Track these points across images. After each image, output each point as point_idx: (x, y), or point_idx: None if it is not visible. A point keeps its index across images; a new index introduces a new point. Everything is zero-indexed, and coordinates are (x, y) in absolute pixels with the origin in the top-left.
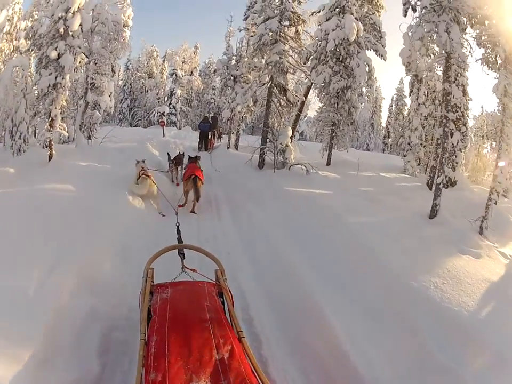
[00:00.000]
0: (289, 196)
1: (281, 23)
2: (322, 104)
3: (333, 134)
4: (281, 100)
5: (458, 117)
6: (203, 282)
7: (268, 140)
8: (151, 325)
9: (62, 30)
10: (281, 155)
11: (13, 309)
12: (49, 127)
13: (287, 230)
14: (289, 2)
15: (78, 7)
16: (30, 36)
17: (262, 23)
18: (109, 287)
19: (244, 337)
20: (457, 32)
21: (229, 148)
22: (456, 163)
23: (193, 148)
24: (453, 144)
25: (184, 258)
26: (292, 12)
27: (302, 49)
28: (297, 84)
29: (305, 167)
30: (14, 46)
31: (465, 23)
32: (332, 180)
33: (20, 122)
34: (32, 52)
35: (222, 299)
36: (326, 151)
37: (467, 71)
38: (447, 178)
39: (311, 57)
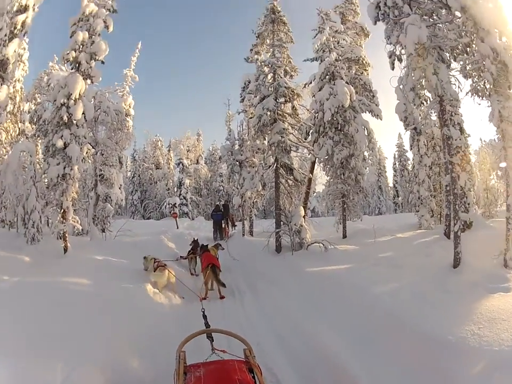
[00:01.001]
0: (311, 277)
1: (277, 100)
2: (329, 177)
3: (344, 206)
4: (288, 180)
5: (461, 157)
6: (233, 360)
7: (281, 222)
8: None
9: (65, 118)
10: (297, 236)
11: None
12: (62, 219)
13: (315, 313)
14: (281, 77)
15: (79, 94)
16: (35, 120)
17: (258, 103)
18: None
19: None
20: (445, 71)
21: (244, 235)
22: (468, 204)
23: (208, 238)
24: (461, 186)
25: (213, 341)
26: (285, 87)
27: (301, 125)
28: (301, 161)
29: (323, 244)
30: (19, 128)
31: (448, 58)
32: (351, 253)
33: (32, 210)
34: (38, 137)
35: (252, 374)
36: (340, 223)
37: (459, 107)
38: (463, 224)
39: (311, 131)
